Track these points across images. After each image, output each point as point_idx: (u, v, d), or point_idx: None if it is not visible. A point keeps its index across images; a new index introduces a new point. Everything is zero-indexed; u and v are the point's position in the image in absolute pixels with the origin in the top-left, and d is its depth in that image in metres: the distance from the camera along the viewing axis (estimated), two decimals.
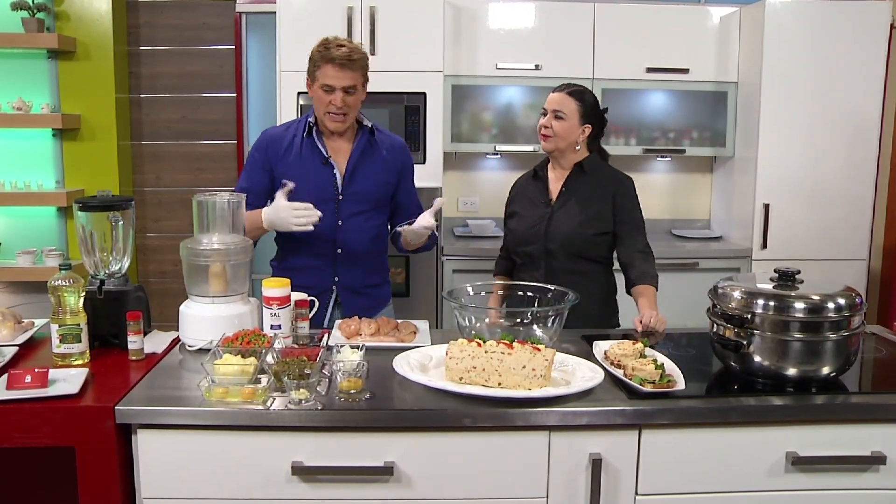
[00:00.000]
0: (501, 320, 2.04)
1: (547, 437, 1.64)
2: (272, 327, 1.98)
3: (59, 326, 1.84)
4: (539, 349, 1.70)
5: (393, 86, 3.59)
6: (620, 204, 2.46)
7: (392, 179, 2.49)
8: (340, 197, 2.41)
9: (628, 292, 2.43)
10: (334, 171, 2.41)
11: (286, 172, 2.40)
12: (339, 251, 2.43)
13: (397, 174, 2.51)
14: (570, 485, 1.67)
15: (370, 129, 2.46)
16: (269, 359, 1.77)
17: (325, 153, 2.41)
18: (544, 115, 2.46)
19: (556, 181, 2.52)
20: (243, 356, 1.74)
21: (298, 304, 2.06)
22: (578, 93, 2.46)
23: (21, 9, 3.76)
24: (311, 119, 2.43)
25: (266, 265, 2.59)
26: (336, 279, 2.45)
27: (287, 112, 3.59)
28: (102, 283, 2.00)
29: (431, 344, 2.01)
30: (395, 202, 2.55)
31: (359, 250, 2.44)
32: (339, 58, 2.29)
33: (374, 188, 2.45)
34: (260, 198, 2.42)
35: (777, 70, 3.67)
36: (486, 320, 2.01)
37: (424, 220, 2.38)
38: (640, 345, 1.89)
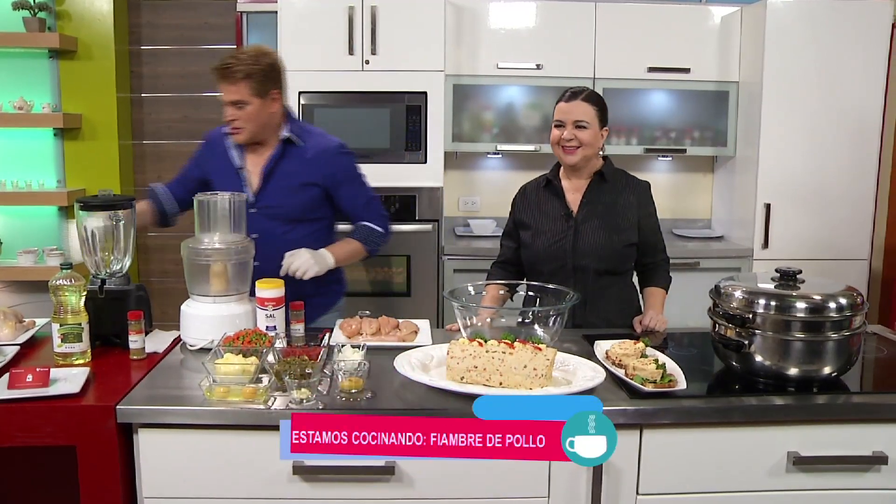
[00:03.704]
0: (503, 320, 2.04)
1: None
2: (267, 328, 1.98)
3: (61, 326, 1.84)
4: (540, 349, 1.70)
5: (394, 85, 3.58)
6: (645, 213, 2.35)
7: (316, 190, 2.35)
8: (252, 210, 2.30)
9: (640, 292, 2.42)
10: (244, 183, 2.34)
11: (211, 174, 2.40)
12: (257, 264, 2.17)
13: (322, 182, 2.35)
14: (572, 484, 1.66)
15: (286, 140, 2.33)
16: (271, 358, 1.77)
17: (235, 162, 2.36)
18: (558, 126, 2.28)
19: (573, 191, 2.35)
20: (244, 356, 1.74)
21: (293, 306, 2.06)
22: (593, 96, 2.29)
23: (22, 8, 3.76)
24: (225, 129, 2.37)
25: None
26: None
27: None
28: (104, 282, 2.00)
29: (432, 343, 2.01)
30: (342, 211, 2.44)
31: (275, 266, 2.22)
32: (218, 70, 2.22)
33: (286, 203, 2.34)
34: (182, 185, 2.44)
35: (778, 69, 3.67)
36: (488, 320, 2.01)
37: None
38: (641, 344, 1.89)
